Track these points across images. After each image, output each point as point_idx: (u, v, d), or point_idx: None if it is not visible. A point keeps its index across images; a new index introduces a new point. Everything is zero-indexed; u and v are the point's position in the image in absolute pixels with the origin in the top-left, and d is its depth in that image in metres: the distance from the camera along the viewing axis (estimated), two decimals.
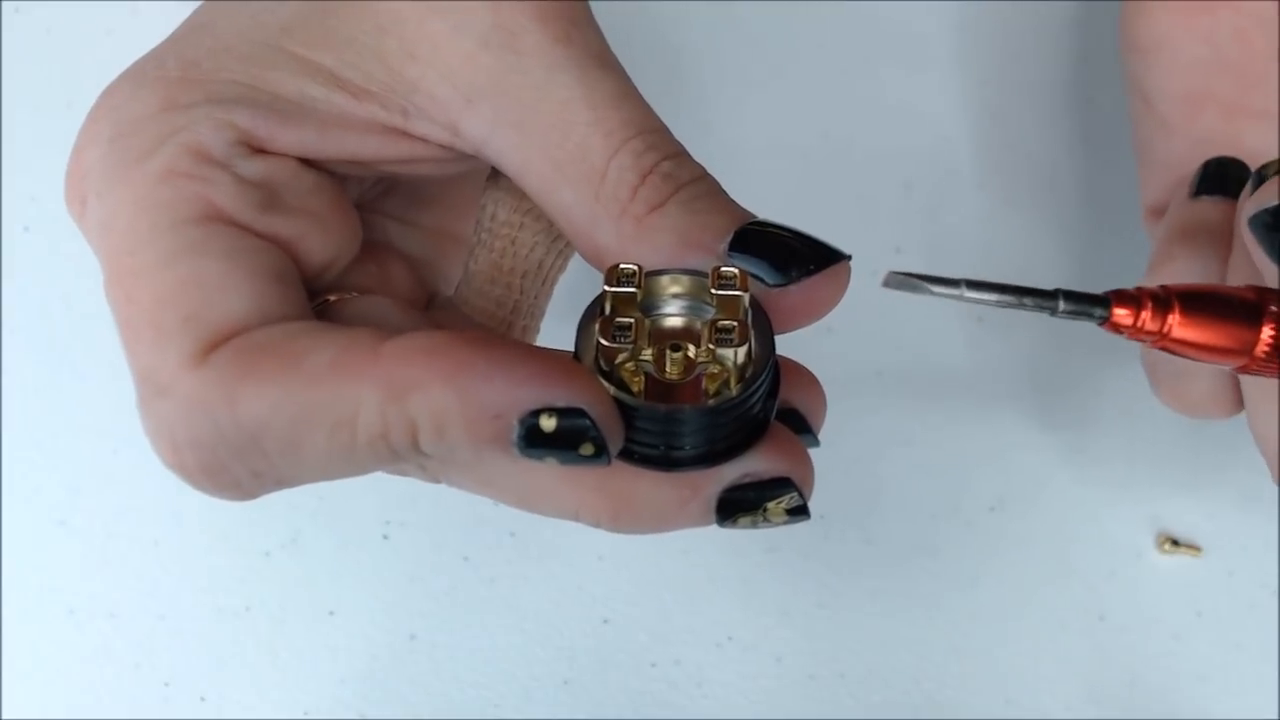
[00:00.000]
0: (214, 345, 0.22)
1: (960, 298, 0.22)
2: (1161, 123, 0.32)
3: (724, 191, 0.24)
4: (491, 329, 0.27)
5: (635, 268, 0.22)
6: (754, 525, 0.23)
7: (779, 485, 0.23)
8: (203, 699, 0.35)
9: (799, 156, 0.40)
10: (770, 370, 0.23)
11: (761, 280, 0.23)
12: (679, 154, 0.24)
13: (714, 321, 0.22)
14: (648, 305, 0.23)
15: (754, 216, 0.24)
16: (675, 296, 0.23)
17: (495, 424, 0.21)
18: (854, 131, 0.40)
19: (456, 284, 0.28)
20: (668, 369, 0.22)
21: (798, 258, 0.23)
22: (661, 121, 0.25)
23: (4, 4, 0.41)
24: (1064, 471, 0.38)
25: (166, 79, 0.24)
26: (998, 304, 0.22)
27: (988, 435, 0.38)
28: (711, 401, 0.22)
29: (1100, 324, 0.24)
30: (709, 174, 0.24)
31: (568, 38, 0.24)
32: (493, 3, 0.24)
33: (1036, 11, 0.42)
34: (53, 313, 0.38)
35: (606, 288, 0.22)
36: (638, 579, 0.37)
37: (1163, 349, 0.24)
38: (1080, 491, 0.37)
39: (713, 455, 0.23)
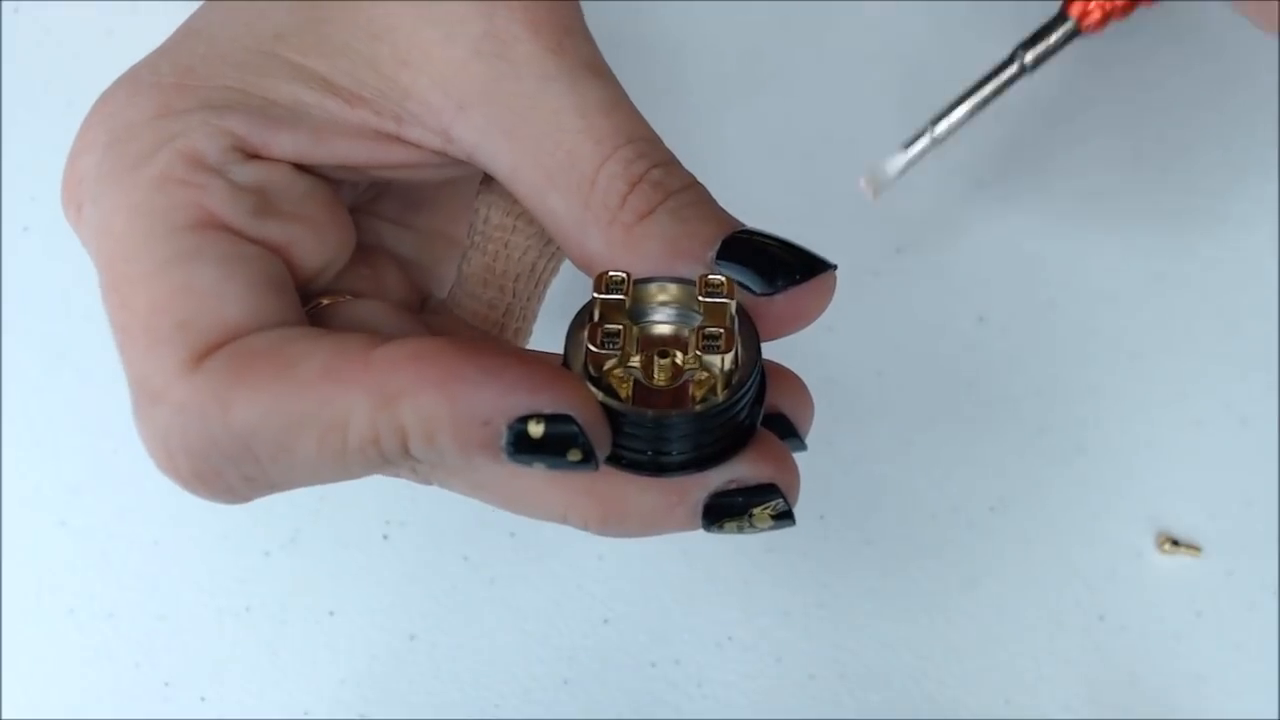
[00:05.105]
0: (207, 352, 0.22)
1: (933, 137, 0.22)
2: None
3: (713, 200, 0.24)
4: (484, 331, 0.27)
5: (624, 275, 0.23)
6: (740, 530, 0.24)
7: (764, 491, 0.23)
8: (203, 699, 0.35)
9: (799, 157, 0.40)
10: (756, 376, 0.23)
11: (748, 289, 0.23)
12: (669, 162, 0.24)
13: (701, 329, 0.22)
14: (636, 313, 0.23)
15: (742, 225, 0.24)
16: (663, 304, 0.23)
17: (484, 430, 0.21)
18: (853, 131, 0.40)
19: (450, 287, 0.28)
20: (655, 375, 0.23)
21: (784, 267, 0.23)
22: (652, 130, 0.25)
23: (4, 4, 0.41)
24: (1064, 471, 0.38)
25: (161, 85, 0.24)
26: (974, 111, 0.22)
27: (988, 435, 0.38)
28: (698, 407, 0.22)
29: (1075, 29, 0.23)
30: (699, 182, 0.24)
31: (560, 47, 0.24)
32: (486, 12, 0.24)
33: (1037, 11, 0.42)
34: (53, 313, 0.38)
35: (595, 295, 0.22)
36: (638, 579, 0.37)
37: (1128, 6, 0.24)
38: (1080, 491, 0.37)
39: (700, 461, 0.23)
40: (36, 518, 0.37)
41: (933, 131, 0.22)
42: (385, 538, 0.37)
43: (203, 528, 0.37)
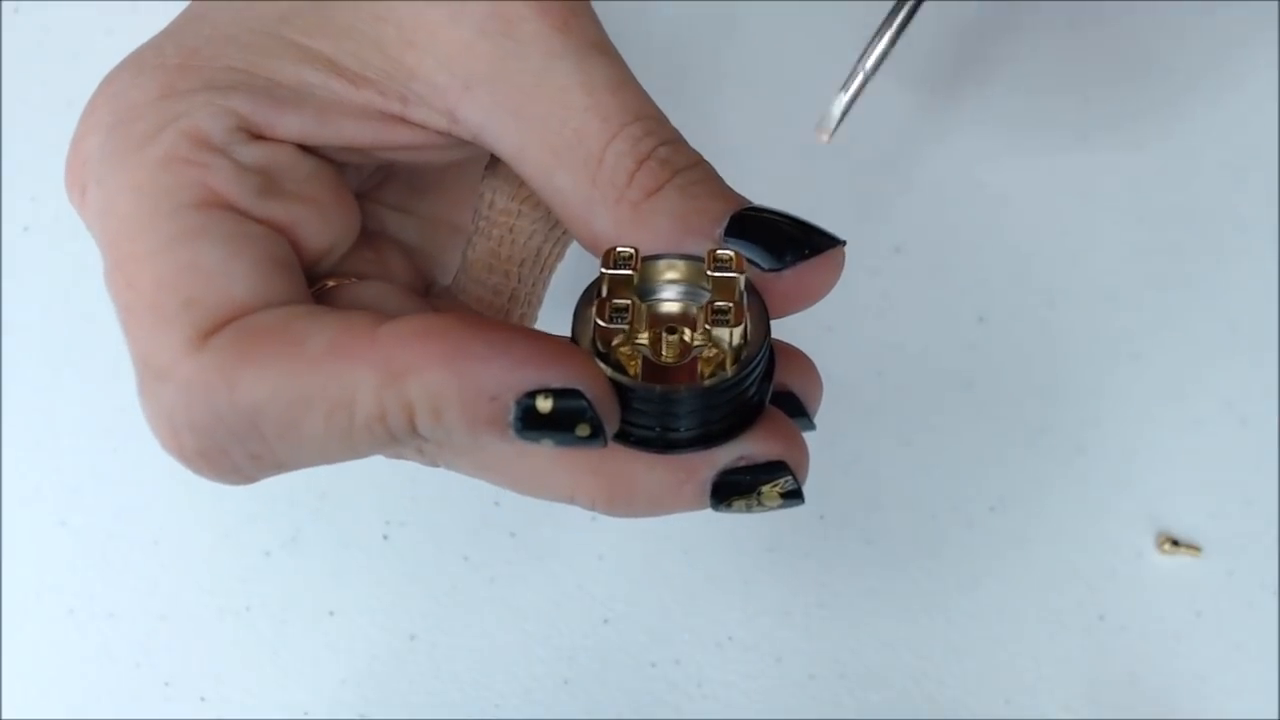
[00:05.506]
0: (213, 329, 0.22)
1: (865, 72, 0.22)
2: None
3: (720, 177, 0.24)
4: (489, 317, 0.27)
5: (632, 251, 0.22)
6: (748, 509, 0.23)
7: (774, 469, 0.23)
8: (203, 699, 0.35)
9: (799, 156, 0.40)
10: (765, 352, 0.23)
11: (757, 265, 0.23)
12: (676, 140, 0.24)
13: (710, 303, 0.22)
14: (644, 291, 0.23)
15: (750, 202, 0.24)
16: (671, 282, 0.23)
17: (492, 406, 0.21)
18: (853, 131, 0.40)
19: (454, 272, 0.28)
20: (664, 352, 0.23)
21: (793, 242, 0.23)
22: (659, 108, 0.25)
23: (4, 4, 0.41)
24: (1064, 471, 0.38)
25: (165, 66, 0.24)
26: (894, 41, 0.22)
27: (988, 435, 0.38)
28: (707, 382, 0.22)
29: None
30: (705, 160, 0.24)
31: (566, 26, 0.24)
32: None
33: (1035, 11, 0.42)
34: (53, 313, 0.38)
35: (603, 270, 0.22)
36: (638, 579, 0.37)
37: None
38: (1080, 491, 0.37)
39: (708, 437, 0.23)
40: (36, 518, 0.37)
41: (864, 68, 0.23)
42: (385, 538, 0.37)
43: (203, 527, 0.37)
